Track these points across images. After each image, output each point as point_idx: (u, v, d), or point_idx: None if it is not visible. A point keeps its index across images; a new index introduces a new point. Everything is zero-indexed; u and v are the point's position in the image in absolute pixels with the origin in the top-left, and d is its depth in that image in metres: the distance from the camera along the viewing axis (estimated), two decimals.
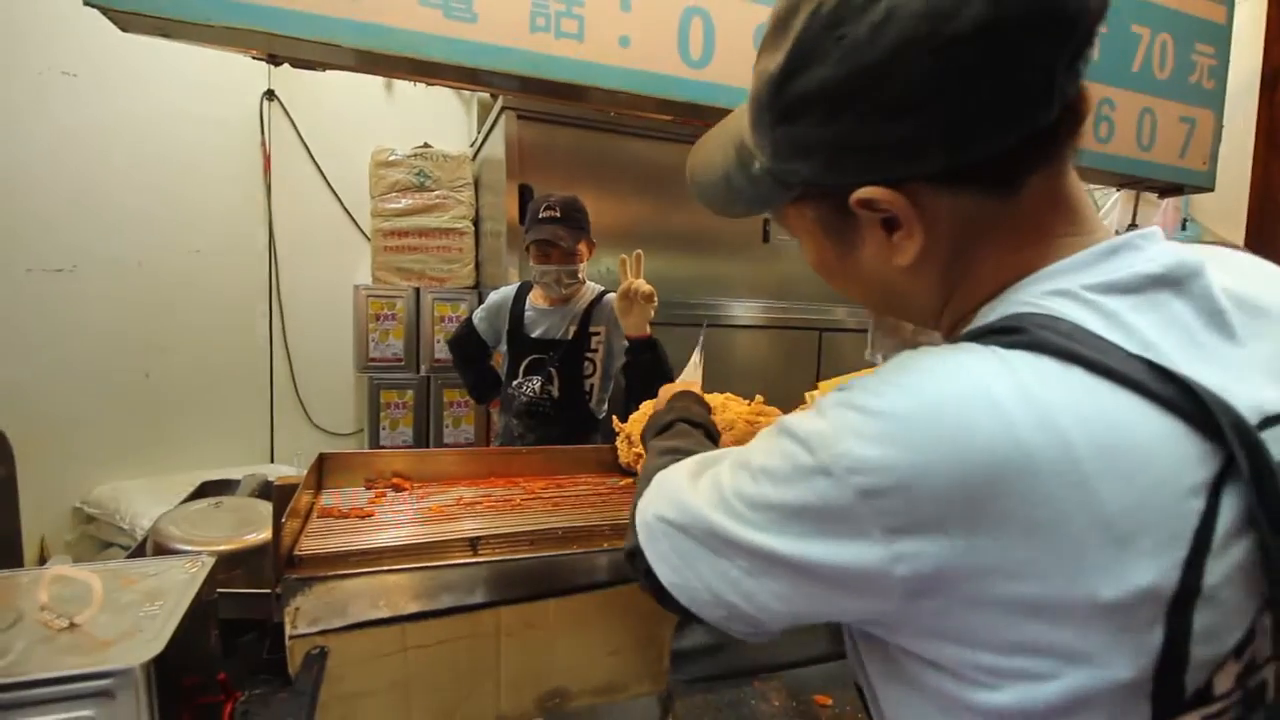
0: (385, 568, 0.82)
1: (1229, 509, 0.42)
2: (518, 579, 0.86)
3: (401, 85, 3.26)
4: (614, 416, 1.47)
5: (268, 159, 3.07)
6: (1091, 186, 3.07)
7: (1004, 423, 0.42)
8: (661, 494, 0.62)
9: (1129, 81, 1.76)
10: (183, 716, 0.86)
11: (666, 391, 1.11)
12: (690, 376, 1.36)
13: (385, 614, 0.81)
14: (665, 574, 0.57)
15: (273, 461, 3.12)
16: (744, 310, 3.09)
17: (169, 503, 1.60)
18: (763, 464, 0.50)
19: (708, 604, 0.55)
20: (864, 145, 0.48)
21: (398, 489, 1.22)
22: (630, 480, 1.33)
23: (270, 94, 3.06)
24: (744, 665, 1.01)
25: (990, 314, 0.51)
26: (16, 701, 0.73)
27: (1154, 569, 0.41)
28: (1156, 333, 0.46)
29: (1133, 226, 3.00)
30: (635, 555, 0.63)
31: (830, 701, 0.96)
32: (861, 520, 0.44)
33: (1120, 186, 2.15)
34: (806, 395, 1.50)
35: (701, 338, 1.41)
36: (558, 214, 1.86)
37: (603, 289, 2.04)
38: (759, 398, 1.31)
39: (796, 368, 3.19)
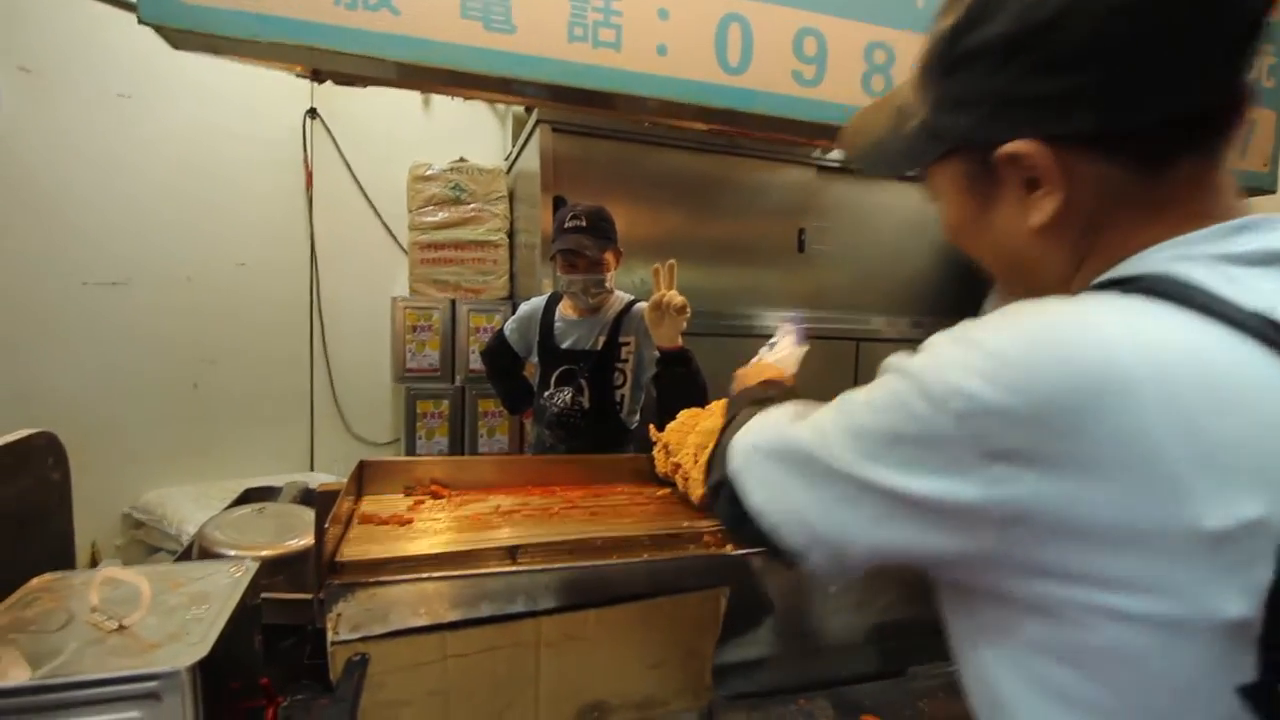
0: (426, 575, 0.82)
1: None
2: (557, 589, 0.85)
3: (438, 101, 3.32)
4: (650, 426, 1.46)
5: (309, 174, 3.14)
6: None
7: (1106, 352, 0.42)
8: (760, 426, 0.63)
9: None
10: (227, 718, 0.87)
11: (751, 374, 1.05)
12: (783, 361, 1.24)
13: (425, 621, 0.81)
14: (757, 498, 0.59)
15: (313, 469, 3.17)
16: (779, 321, 3.05)
17: (214, 509, 1.63)
18: (866, 398, 0.52)
19: (794, 529, 0.56)
20: (1022, 98, 0.51)
21: (436, 496, 1.23)
22: (668, 491, 1.31)
23: (313, 112, 3.14)
24: (789, 682, 0.98)
25: (1112, 275, 0.52)
26: (67, 702, 0.74)
27: (1264, 502, 0.40)
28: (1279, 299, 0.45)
29: None
30: (721, 486, 0.64)
31: None
32: (960, 448, 0.45)
33: None
34: None
35: (796, 328, 1.33)
36: (583, 224, 1.86)
37: (632, 298, 2.03)
38: None
39: (833, 379, 3.13)
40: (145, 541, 2.62)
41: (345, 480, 1.12)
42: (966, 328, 0.48)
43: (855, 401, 0.53)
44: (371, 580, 0.79)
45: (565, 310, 2.03)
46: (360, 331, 3.24)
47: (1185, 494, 0.40)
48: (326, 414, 3.26)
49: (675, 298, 1.69)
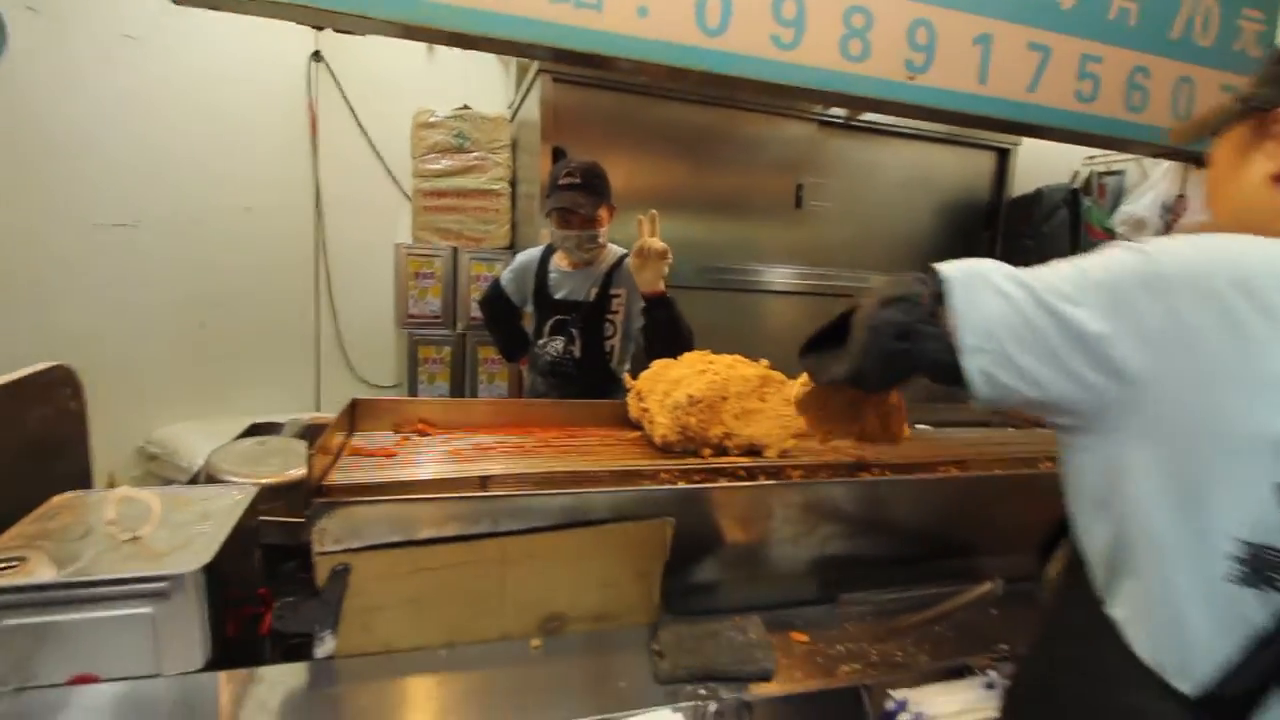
0: (399, 497, 0.92)
1: None
2: (520, 514, 0.95)
3: (442, 48, 3.31)
4: (626, 374, 1.55)
5: (314, 120, 3.17)
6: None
7: (1241, 267, 0.56)
8: (961, 263, 0.71)
9: (1166, 49, 1.71)
10: (229, 621, 0.99)
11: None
12: None
13: (399, 538, 0.91)
14: (960, 303, 0.66)
15: (319, 410, 3.29)
16: (776, 276, 3.10)
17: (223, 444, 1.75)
18: (1080, 262, 0.65)
19: (981, 337, 0.64)
20: None
21: (423, 434, 1.33)
22: (638, 434, 1.41)
23: (317, 55, 3.15)
24: (729, 604, 1.10)
25: None
26: (88, 598, 0.86)
27: None
28: None
29: (1180, 199, 2.89)
30: (896, 302, 0.73)
31: (806, 639, 1.03)
32: (1125, 302, 0.59)
33: (1156, 157, 2.09)
34: None
35: None
36: (578, 180, 1.91)
37: (624, 252, 2.09)
38: (764, 361, 1.36)
39: None
40: (159, 475, 2.76)
41: (337, 416, 1.22)
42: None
43: (1067, 263, 0.65)
44: (351, 500, 0.89)
45: (560, 262, 2.10)
46: (365, 277, 3.31)
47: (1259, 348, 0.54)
48: (332, 357, 3.36)
49: (656, 243, 1.75)
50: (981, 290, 0.65)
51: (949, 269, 0.69)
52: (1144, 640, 0.60)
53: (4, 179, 2.70)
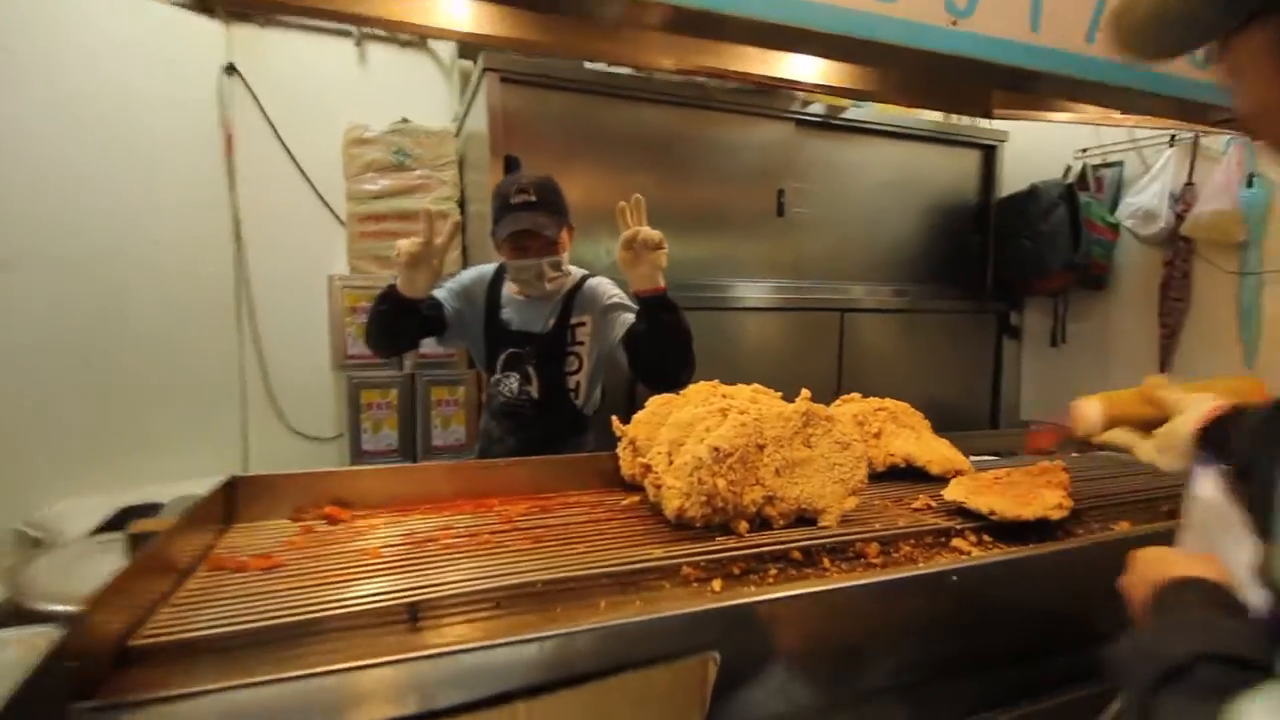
0: (256, 679, 0.51)
1: None
2: (474, 674, 0.57)
3: (376, 55, 2.97)
4: (614, 418, 1.18)
5: (230, 139, 2.78)
6: (1141, 131, 2.73)
7: None
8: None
9: None
10: None
11: (1158, 565, 0.59)
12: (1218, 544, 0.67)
13: None
14: None
15: (247, 471, 2.84)
16: (757, 291, 2.80)
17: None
18: None
19: None
20: None
21: (332, 521, 0.94)
22: (636, 498, 1.04)
23: (231, 68, 2.77)
24: None
25: None
26: None
27: None
28: None
29: (1189, 186, 2.69)
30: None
31: None
32: None
33: (1174, 117, 1.77)
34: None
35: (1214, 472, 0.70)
36: (533, 197, 1.57)
37: (585, 273, 1.75)
38: (805, 392, 1.00)
39: (816, 352, 2.89)
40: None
41: (198, 502, 0.83)
42: None
43: None
44: (158, 696, 0.49)
45: (512, 289, 1.74)
46: (295, 314, 2.89)
47: None
48: (260, 409, 2.92)
49: (649, 232, 1.45)
50: None
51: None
52: None
53: None
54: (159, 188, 2.68)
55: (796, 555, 0.81)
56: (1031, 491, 0.93)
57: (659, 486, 0.91)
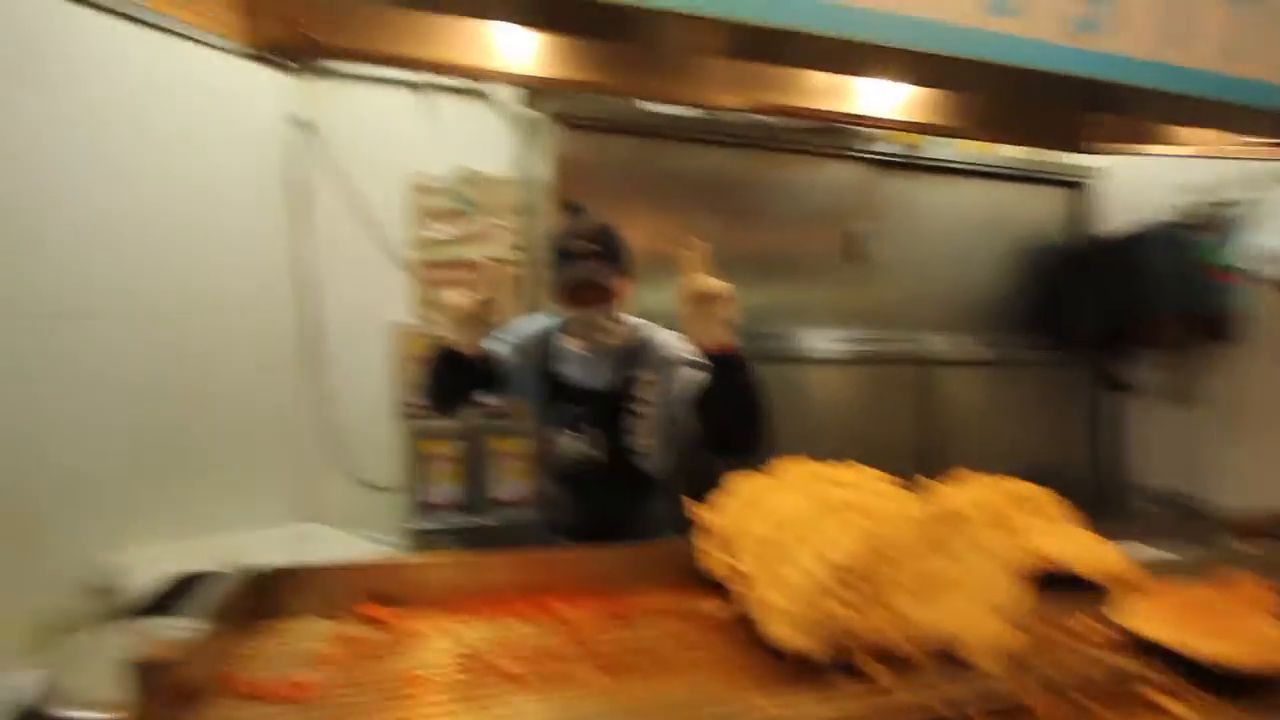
0: None
1: None
2: None
3: (437, 103, 2.98)
4: (685, 498, 1.03)
5: (297, 187, 2.81)
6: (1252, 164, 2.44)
7: None
8: None
9: None
10: None
11: None
12: None
13: None
14: None
15: (311, 520, 2.79)
16: (828, 342, 2.63)
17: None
18: None
19: None
20: None
21: (375, 622, 0.81)
22: (718, 602, 0.87)
23: (295, 117, 2.82)
24: None
25: None
26: None
27: None
28: None
29: None
30: None
31: None
32: None
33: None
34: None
35: None
36: (594, 246, 1.47)
37: (648, 325, 1.63)
38: (938, 490, 0.82)
39: (895, 409, 2.67)
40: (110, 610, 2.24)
41: (221, 597, 0.71)
42: None
43: None
44: None
45: (569, 341, 1.63)
46: (361, 362, 2.88)
47: None
48: (324, 456, 2.89)
49: (714, 283, 1.31)
50: None
51: None
52: None
53: None
54: (226, 236, 2.72)
55: (941, 711, 0.63)
56: (1238, 621, 0.73)
57: (764, 604, 0.74)
